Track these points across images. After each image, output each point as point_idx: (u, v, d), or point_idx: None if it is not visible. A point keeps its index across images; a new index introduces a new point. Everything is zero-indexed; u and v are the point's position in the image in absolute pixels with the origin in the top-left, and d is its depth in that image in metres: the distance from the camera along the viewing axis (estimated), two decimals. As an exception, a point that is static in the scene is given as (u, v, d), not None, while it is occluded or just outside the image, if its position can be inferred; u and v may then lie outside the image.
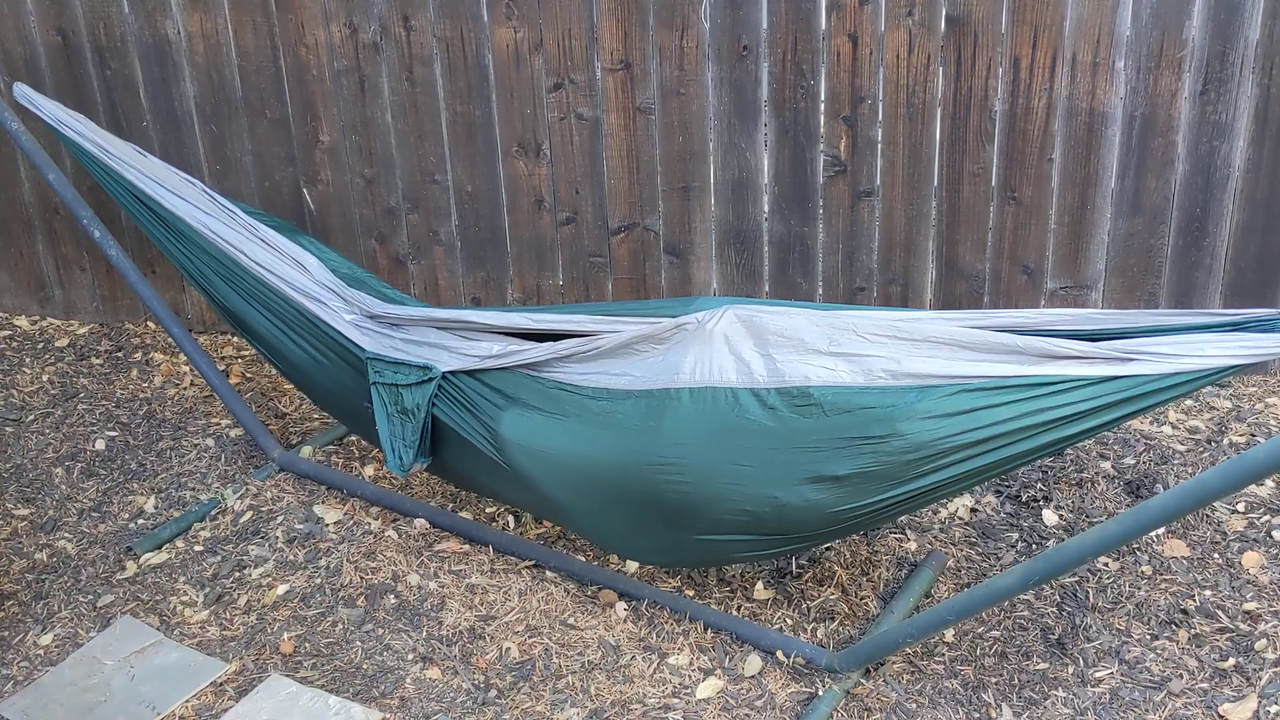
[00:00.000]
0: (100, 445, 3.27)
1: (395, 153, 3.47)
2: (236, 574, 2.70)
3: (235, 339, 3.83)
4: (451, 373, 2.45)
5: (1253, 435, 2.94)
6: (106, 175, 2.85)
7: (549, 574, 2.62)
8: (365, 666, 2.40)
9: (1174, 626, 2.35)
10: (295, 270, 2.71)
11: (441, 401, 2.47)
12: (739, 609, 2.49)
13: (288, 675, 2.38)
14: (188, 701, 2.33)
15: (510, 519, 2.84)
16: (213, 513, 2.93)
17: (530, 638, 2.44)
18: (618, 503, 2.27)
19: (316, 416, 3.36)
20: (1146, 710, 2.16)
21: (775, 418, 2.03)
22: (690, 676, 2.32)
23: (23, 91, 2.91)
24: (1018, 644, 2.34)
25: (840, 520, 2.08)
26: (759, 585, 2.55)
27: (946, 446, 1.92)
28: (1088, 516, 2.69)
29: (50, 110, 2.87)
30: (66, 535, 2.89)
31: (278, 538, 2.80)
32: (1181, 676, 2.23)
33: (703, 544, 2.22)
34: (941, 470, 1.96)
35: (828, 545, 2.64)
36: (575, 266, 3.46)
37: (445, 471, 2.71)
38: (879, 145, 3.13)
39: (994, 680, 2.26)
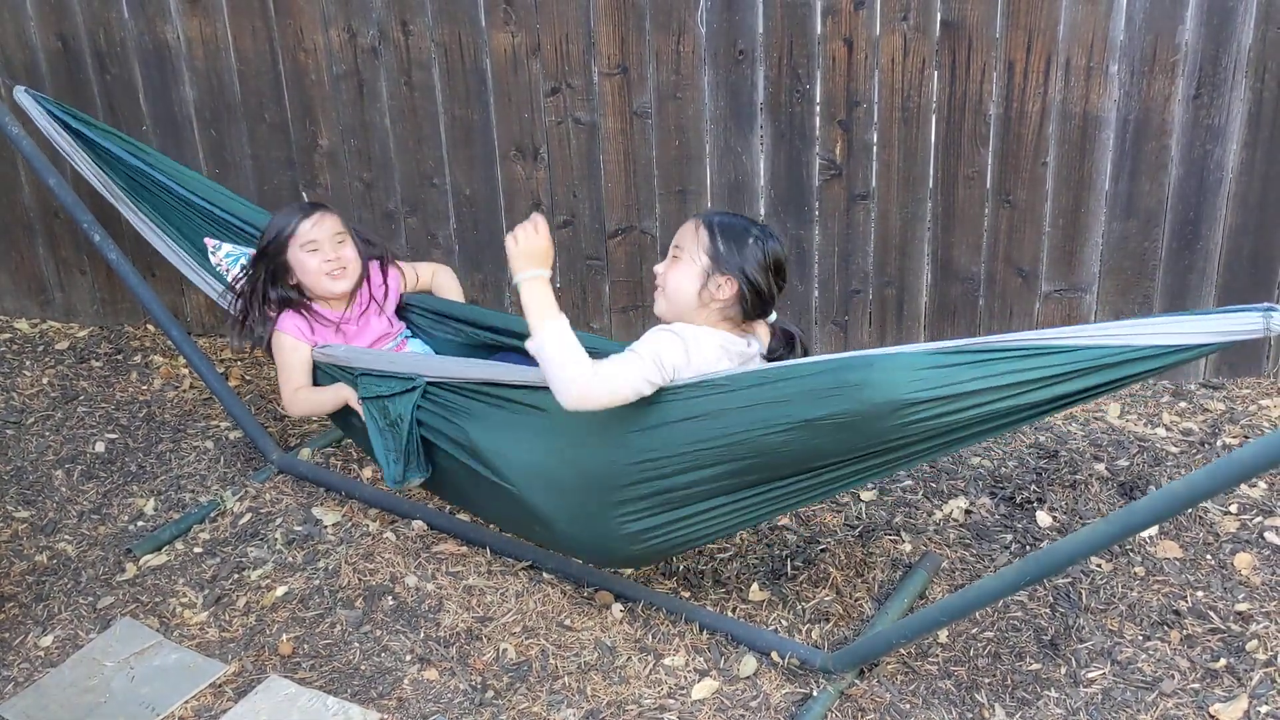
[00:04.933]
0: (100, 448, 3.29)
1: (394, 156, 3.49)
2: (235, 576, 2.71)
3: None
4: (434, 383, 2.48)
5: (1246, 437, 2.96)
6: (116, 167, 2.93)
7: (546, 575, 2.64)
8: (363, 667, 2.41)
9: (1166, 627, 2.37)
10: None
11: (425, 412, 2.49)
12: (734, 610, 2.50)
13: (286, 676, 2.39)
14: (187, 702, 2.34)
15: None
16: (212, 515, 2.95)
17: (527, 639, 2.45)
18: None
19: (315, 419, 3.38)
20: (1138, 710, 2.18)
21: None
22: (686, 677, 2.33)
23: (20, 98, 2.94)
24: (1011, 644, 2.35)
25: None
26: (754, 587, 2.56)
27: (919, 399, 1.88)
28: (1081, 518, 2.71)
29: (44, 124, 2.92)
30: (66, 537, 2.91)
31: (276, 539, 2.82)
32: (1173, 677, 2.25)
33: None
34: (913, 427, 1.92)
35: (822, 547, 2.66)
36: (573, 269, 3.48)
37: (441, 487, 2.72)
38: (874, 148, 3.14)
39: (987, 681, 2.27)
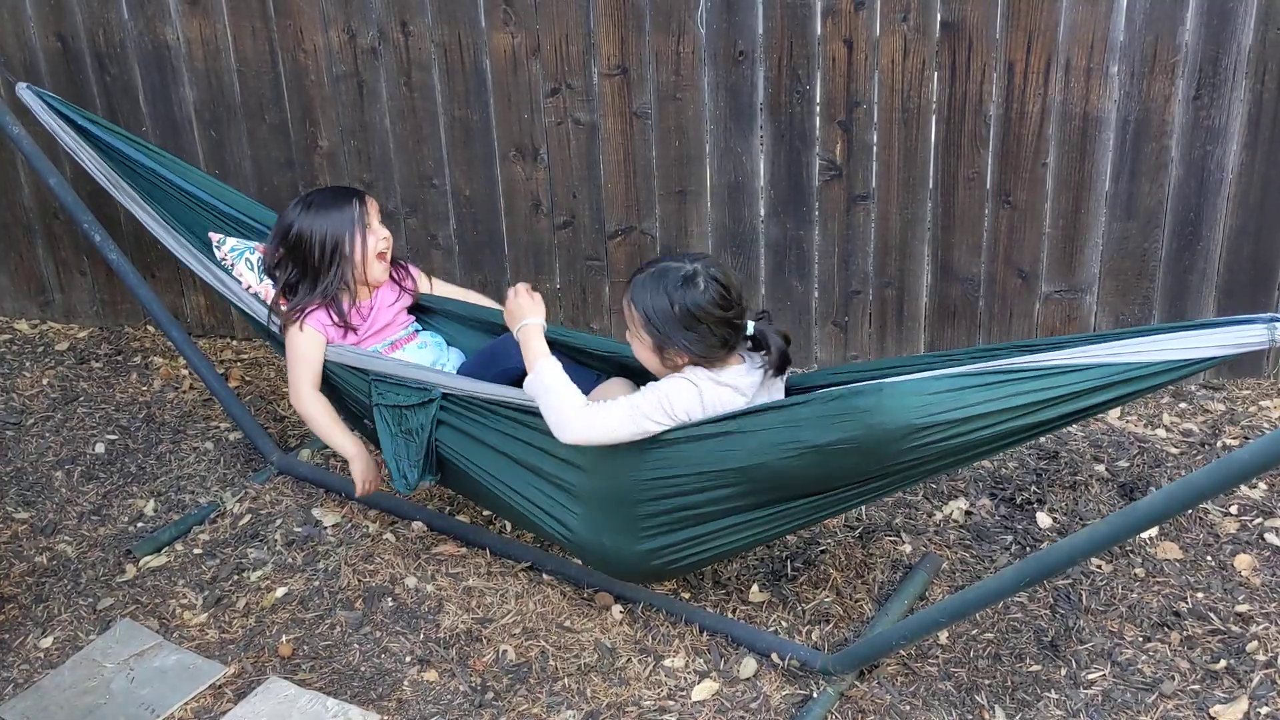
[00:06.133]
0: (100, 449, 3.29)
1: (393, 157, 3.49)
2: (235, 577, 2.71)
3: (235, 343, 3.85)
4: (451, 395, 2.46)
5: (1246, 438, 2.96)
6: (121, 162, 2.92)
7: (545, 576, 2.64)
8: (363, 669, 2.41)
9: (1166, 628, 2.37)
10: None
11: (445, 417, 2.48)
12: (734, 611, 2.50)
13: (286, 677, 2.39)
14: (187, 704, 2.34)
15: (507, 522, 2.85)
16: (212, 516, 2.95)
17: (527, 640, 2.45)
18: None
19: (315, 420, 3.38)
20: (1138, 712, 2.18)
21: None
22: (686, 679, 2.33)
23: (23, 94, 2.93)
24: (1011, 646, 2.35)
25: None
26: (754, 588, 2.56)
27: (929, 424, 1.90)
28: (1081, 519, 2.71)
29: (47, 120, 2.90)
30: (66, 538, 2.91)
31: (276, 540, 2.82)
32: (1173, 678, 2.24)
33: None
34: (922, 449, 1.94)
35: (822, 548, 2.66)
36: (572, 270, 3.48)
37: (451, 482, 2.71)
38: (874, 149, 3.14)
39: (987, 682, 2.27)
